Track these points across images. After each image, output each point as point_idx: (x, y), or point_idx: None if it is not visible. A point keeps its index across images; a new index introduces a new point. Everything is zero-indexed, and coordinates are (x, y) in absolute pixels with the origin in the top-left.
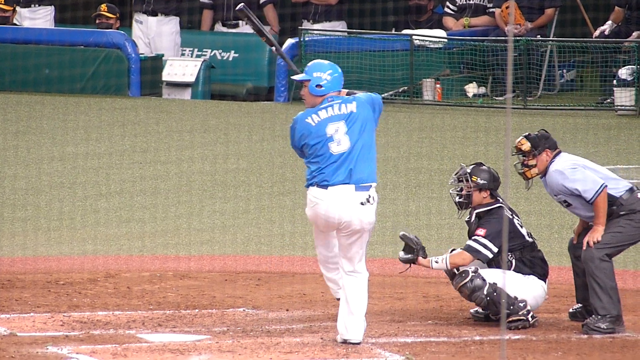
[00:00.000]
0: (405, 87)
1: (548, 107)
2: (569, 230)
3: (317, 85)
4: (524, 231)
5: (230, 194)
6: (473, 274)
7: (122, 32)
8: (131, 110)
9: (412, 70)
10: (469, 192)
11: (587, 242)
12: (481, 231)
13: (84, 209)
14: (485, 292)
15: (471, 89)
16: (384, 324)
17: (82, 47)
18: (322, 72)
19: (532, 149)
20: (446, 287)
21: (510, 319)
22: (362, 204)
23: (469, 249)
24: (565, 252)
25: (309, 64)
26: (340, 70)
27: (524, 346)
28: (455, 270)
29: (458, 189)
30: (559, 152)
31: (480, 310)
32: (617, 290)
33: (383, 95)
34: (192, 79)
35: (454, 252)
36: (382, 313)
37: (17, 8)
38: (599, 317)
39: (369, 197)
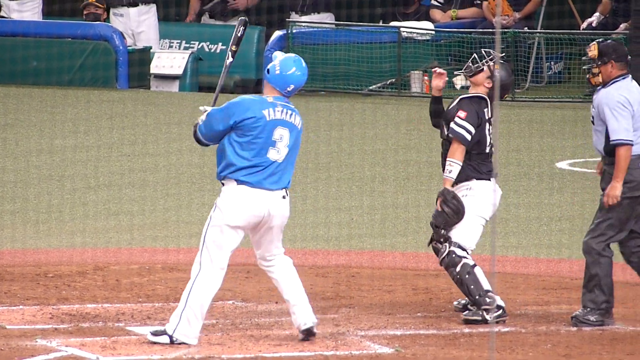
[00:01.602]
0: (393, 80)
1: (536, 99)
2: (558, 223)
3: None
4: (487, 138)
5: (219, 186)
6: (451, 249)
7: (109, 24)
8: (119, 103)
9: (400, 62)
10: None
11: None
12: (462, 113)
13: (73, 202)
14: (457, 270)
15: (459, 81)
16: (373, 316)
17: (70, 39)
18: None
19: (599, 57)
20: (435, 279)
21: (466, 317)
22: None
23: (454, 133)
24: (554, 244)
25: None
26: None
27: (513, 338)
28: (439, 245)
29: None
30: (626, 75)
31: (462, 301)
32: (612, 285)
33: (371, 87)
34: (179, 71)
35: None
36: (371, 306)
37: (5, 0)
38: (589, 309)
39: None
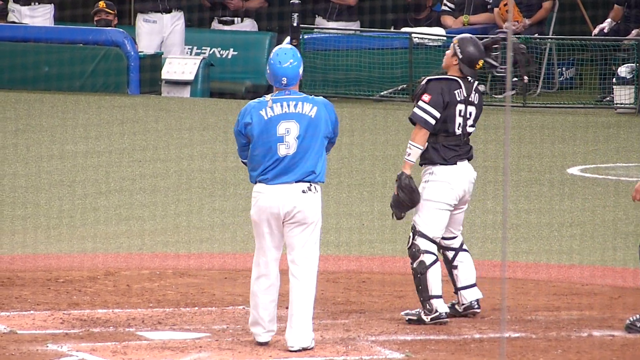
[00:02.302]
0: (405, 85)
1: (547, 105)
2: (569, 229)
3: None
4: (458, 120)
5: (230, 192)
6: (415, 242)
7: (121, 30)
8: (130, 108)
9: (412, 68)
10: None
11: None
12: (426, 97)
13: (84, 207)
14: (413, 266)
15: None
16: (383, 321)
17: (81, 45)
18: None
19: None
20: (446, 285)
21: (405, 314)
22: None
23: (416, 117)
24: (565, 250)
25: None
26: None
27: (523, 344)
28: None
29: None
30: None
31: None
32: None
33: (382, 93)
34: (191, 77)
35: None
36: (382, 311)
37: (17, 6)
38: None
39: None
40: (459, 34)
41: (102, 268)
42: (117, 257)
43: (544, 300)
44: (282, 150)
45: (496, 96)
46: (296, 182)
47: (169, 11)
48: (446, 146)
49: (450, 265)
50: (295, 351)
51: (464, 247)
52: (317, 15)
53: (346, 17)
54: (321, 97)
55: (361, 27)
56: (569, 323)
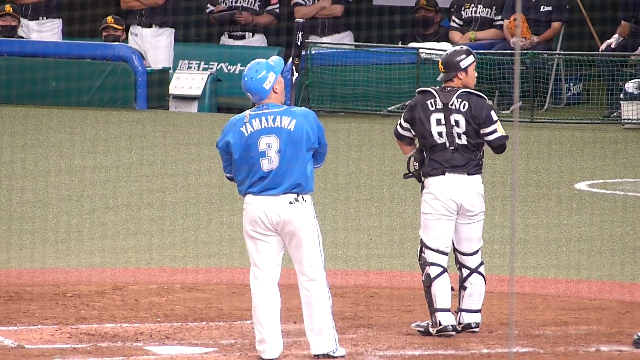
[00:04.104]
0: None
1: (555, 121)
2: (577, 244)
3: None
4: (436, 130)
5: (238, 206)
6: (423, 254)
7: (128, 45)
8: (138, 123)
9: (419, 83)
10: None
11: None
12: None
13: (92, 222)
14: (423, 277)
15: None
16: (391, 336)
17: (89, 60)
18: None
19: None
20: (454, 300)
21: (417, 327)
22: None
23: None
24: (573, 265)
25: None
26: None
27: (531, 359)
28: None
29: None
30: None
31: (420, 323)
32: None
33: (390, 108)
34: (198, 92)
35: None
36: (390, 326)
37: (25, 20)
38: None
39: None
40: None
41: (110, 282)
42: (125, 271)
43: (551, 315)
44: (266, 165)
45: (503, 112)
46: (283, 193)
47: (149, 26)
48: (432, 159)
49: (461, 284)
50: (318, 356)
51: (480, 270)
52: (310, 34)
53: (334, 30)
54: (302, 108)
55: (369, 42)
56: (577, 338)
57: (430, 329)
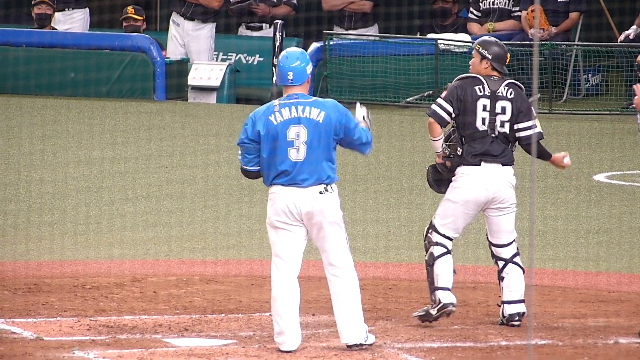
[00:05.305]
0: (431, 92)
1: (573, 112)
2: (596, 235)
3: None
4: (481, 115)
5: (257, 198)
6: (428, 235)
7: (147, 35)
8: (157, 114)
9: (437, 74)
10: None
11: None
12: (444, 93)
13: (111, 213)
14: (426, 258)
15: None
16: (410, 328)
17: (108, 50)
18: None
19: None
20: (472, 292)
21: (415, 315)
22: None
23: (429, 112)
24: (592, 257)
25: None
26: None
27: (550, 351)
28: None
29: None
30: None
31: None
32: None
33: (408, 99)
34: (217, 83)
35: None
36: (409, 318)
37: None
38: None
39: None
40: None
41: (128, 274)
42: (144, 263)
43: (570, 307)
44: (293, 155)
45: None
46: (312, 185)
47: (191, 19)
48: (471, 146)
49: (499, 276)
50: (351, 346)
51: (516, 260)
52: (335, 25)
53: (362, 24)
54: (331, 100)
55: (387, 33)
56: (596, 330)
57: (431, 311)
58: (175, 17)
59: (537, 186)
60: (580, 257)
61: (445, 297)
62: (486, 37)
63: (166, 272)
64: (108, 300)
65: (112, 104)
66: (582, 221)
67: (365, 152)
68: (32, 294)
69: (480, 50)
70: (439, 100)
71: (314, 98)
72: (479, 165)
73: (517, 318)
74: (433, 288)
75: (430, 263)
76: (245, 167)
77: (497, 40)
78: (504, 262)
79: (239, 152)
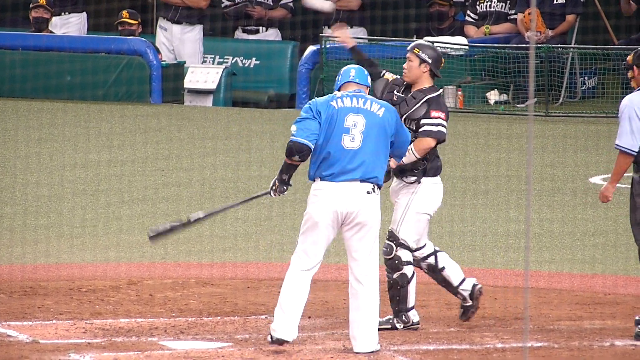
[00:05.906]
0: None
1: (570, 115)
2: (591, 238)
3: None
4: None
5: (253, 201)
6: (397, 253)
7: (143, 39)
8: (153, 117)
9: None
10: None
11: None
12: (441, 114)
13: (107, 216)
14: (394, 277)
15: (493, 96)
16: (406, 331)
17: (104, 54)
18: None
19: (632, 63)
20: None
21: (381, 326)
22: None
23: (431, 133)
24: (588, 259)
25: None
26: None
27: (546, 354)
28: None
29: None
30: None
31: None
32: None
33: None
34: (213, 86)
35: (412, 143)
36: None
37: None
38: None
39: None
40: (480, 43)
41: (124, 277)
42: (140, 266)
43: (566, 309)
44: (347, 142)
45: (519, 105)
46: (361, 181)
47: (178, 22)
48: (432, 159)
49: (438, 270)
50: (367, 354)
51: (436, 247)
52: (324, 27)
53: (352, 24)
54: (387, 102)
55: (373, 35)
56: (592, 333)
57: (397, 325)
58: (162, 22)
59: (533, 188)
60: (576, 259)
61: (415, 317)
62: (421, 41)
63: (162, 275)
64: (104, 303)
65: (108, 107)
66: (578, 223)
67: (401, 159)
68: (28, 297)
69: (420, 54)
70: (443, 122)
71: (374, 98)
72: (437, 176)
73: (478, 285)
74: (405, 308)
75: (402, 284)
76: (301, 140)
77: (431, 43)
78: (433, 256)
79: (294, 129)
